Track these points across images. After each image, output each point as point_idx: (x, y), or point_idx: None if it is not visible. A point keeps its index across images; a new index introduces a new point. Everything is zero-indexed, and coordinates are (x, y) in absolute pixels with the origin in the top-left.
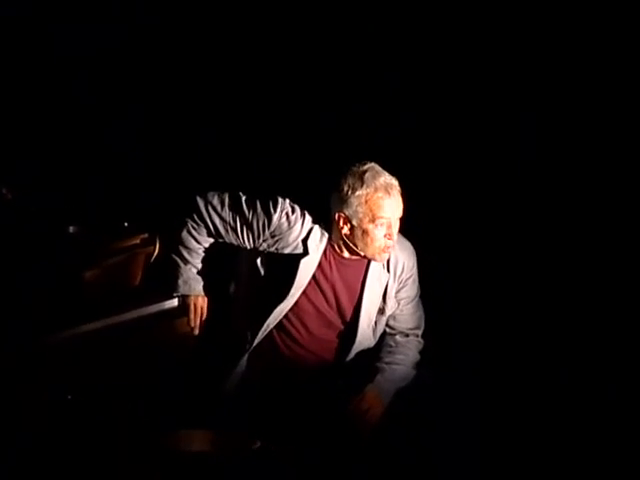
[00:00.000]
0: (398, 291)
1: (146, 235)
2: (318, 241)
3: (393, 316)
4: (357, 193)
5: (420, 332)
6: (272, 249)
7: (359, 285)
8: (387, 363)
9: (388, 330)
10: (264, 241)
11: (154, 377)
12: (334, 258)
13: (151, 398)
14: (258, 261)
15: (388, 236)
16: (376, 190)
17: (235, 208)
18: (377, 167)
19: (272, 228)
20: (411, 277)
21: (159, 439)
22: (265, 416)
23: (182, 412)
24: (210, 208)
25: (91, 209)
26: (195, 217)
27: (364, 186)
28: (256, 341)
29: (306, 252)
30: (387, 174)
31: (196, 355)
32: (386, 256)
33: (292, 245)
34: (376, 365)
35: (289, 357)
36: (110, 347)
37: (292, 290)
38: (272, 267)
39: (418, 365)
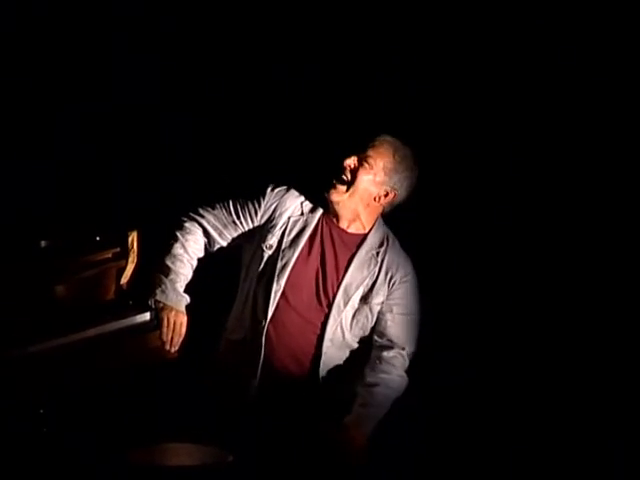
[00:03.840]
0: (391, 293)
1: (118, 249)
2: (314, 206)
3: (384, 323)
4: None
5: (408, 350)
6: (274, 222)
7: (346, 262)
8: (367, 385)
9: (375, 339)
10: (263, 215)
11: (124, 393)
12: (330, 228)
13: (122, 412)
14: (261, 243)
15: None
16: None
17: (226, 201)
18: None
19: (267, 198)
20: (406, 282)
21: (133, 453)
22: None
23: (158, 425)
24: (201, 210)
25: (62, 222)
26: (186, 224)
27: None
28: (269, 314)
29: (302, 213)
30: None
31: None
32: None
33: (291, 208)
34: (356, 390)
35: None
36: (80, 362)
37: (289, 253)
38: (274, 240)
39: (403, 385)
